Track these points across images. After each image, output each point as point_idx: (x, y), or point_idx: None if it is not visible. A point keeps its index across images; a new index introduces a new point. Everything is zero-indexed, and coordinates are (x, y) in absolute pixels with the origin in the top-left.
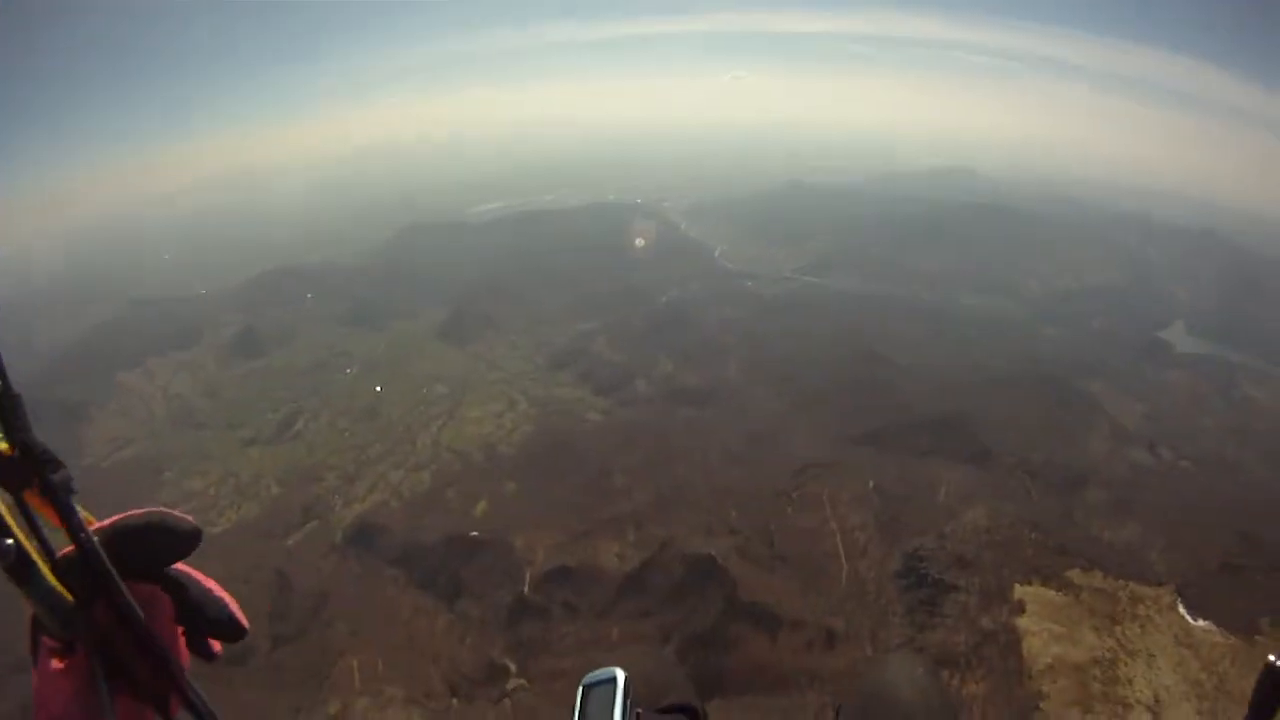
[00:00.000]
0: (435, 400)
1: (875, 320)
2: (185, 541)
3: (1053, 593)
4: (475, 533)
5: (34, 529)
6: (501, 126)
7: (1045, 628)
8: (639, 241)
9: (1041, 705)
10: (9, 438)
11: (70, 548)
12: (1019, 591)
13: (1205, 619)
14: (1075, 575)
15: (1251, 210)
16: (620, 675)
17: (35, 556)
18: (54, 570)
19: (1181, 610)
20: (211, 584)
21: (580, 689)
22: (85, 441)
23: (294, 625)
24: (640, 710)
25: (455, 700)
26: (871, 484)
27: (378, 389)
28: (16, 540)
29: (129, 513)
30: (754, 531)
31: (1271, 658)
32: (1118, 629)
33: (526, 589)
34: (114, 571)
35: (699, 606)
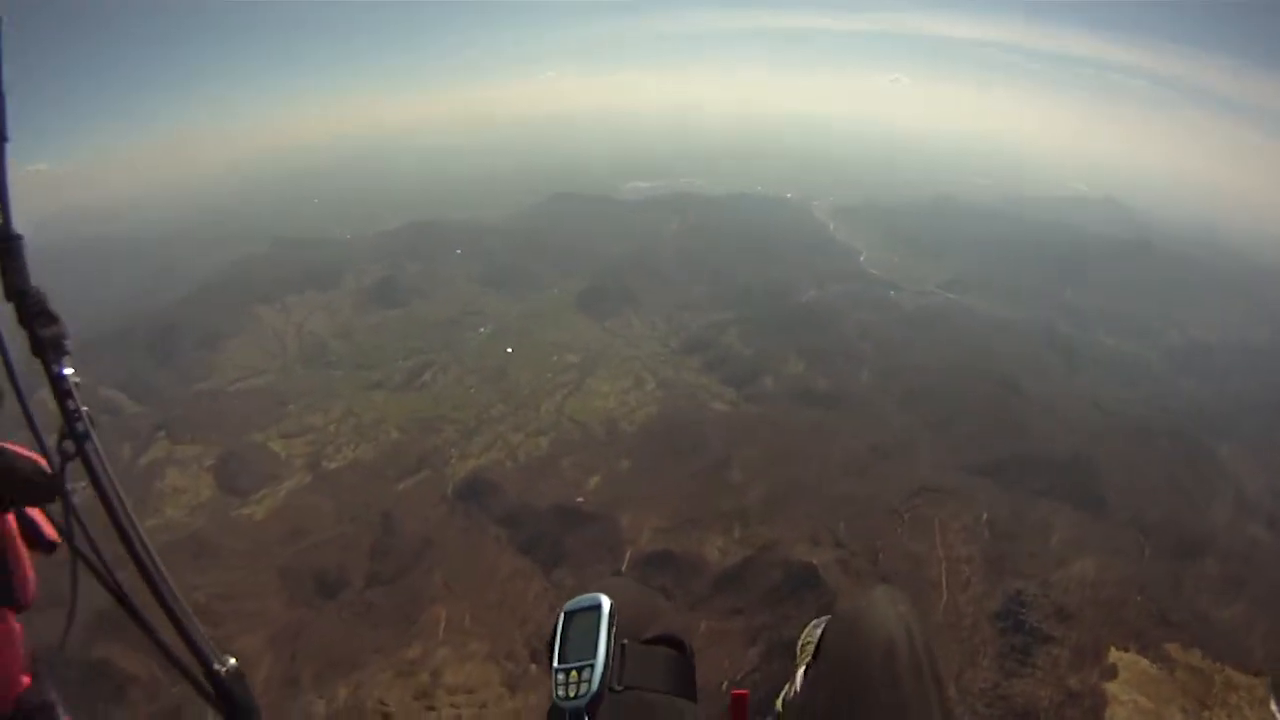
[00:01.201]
0: (564, 369)
1: (1011, 347)
2: (24, 489)
3: (1147, 663)
4: (583, 502)
5: None
6: (656, 108)
7: (1133, 698)
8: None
9: None
10: (4, 281)
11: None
12: (1114, 656)
13: None
14: (1174, 649)
15: None
16: (605, 602)
17: None
18: None
19: (1273, 707)
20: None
21: (561, 614)
22: (215, 367)
23: (392, 567)
24: (625, 641)
25: (534, 666)
26: (985, 516)
27: (508, 350)
28: None
29: None
30: (860, 546)
31: None
32: (1206, 714)
33: (625, 567)
34: None
35: (792, 614)
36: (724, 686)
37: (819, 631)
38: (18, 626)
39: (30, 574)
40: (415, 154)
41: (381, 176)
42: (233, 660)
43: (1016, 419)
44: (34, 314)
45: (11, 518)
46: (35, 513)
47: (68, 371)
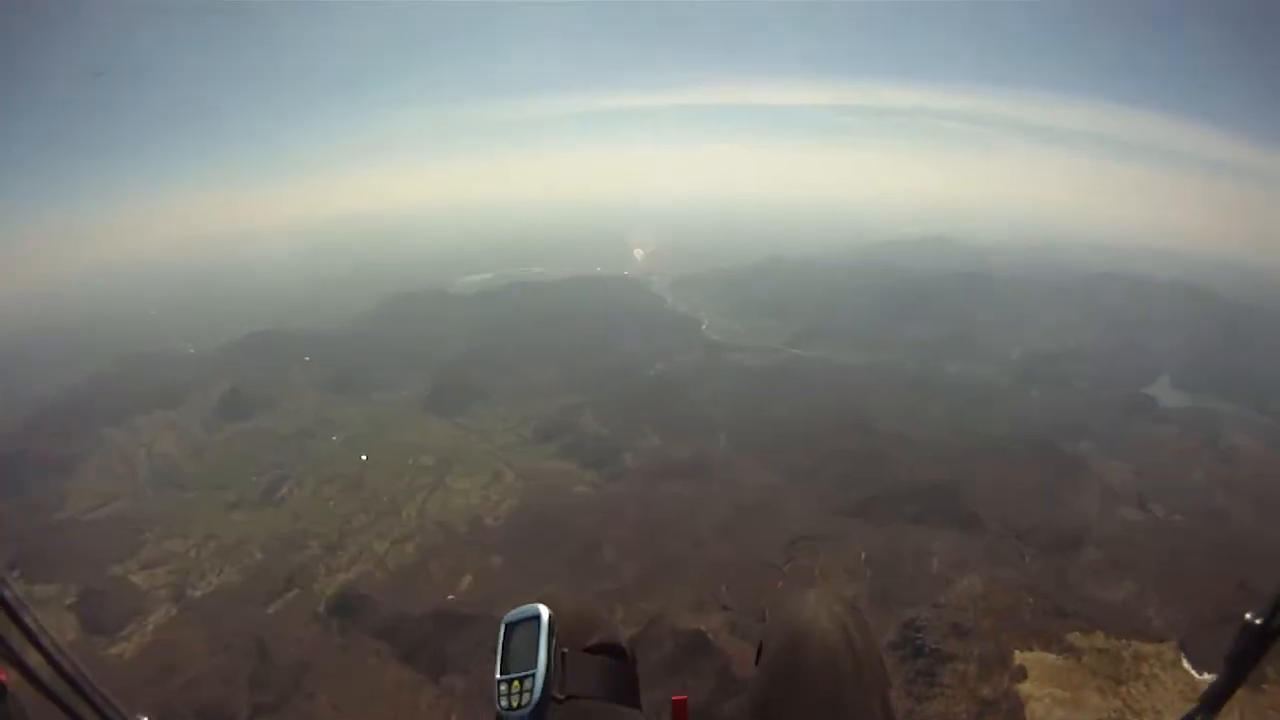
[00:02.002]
0: (421, 471)
1: (862, 391)
2: None
3: (1053, 657)
4: (459, 604)
5: None
6: (485, 198)
7: (1048, 693)
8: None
9: None
10: None
11: None
12: (1019, 658)
13: (1210, 672)
14: (1076, 638)
15: (1229, 259)
16: (544, 611)
17: None
18: None
19: (1186, 665)
20: None
21: (503, 626)
22: (67, 496)
23: (274, 694)
24: (566, 650)
25: None
26: (863, 555)
27: (363, 457)
28: None
29: None
30: (746, 606)
31: (1248, 615)
32: (1122, 689)
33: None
34: None
35: (690, 684)
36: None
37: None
38: None
39: None
40: (251, 259)
41: (218, 283)
42: (145, 718)
43: (878, 457)
44: None
45: None
46: None
47: None
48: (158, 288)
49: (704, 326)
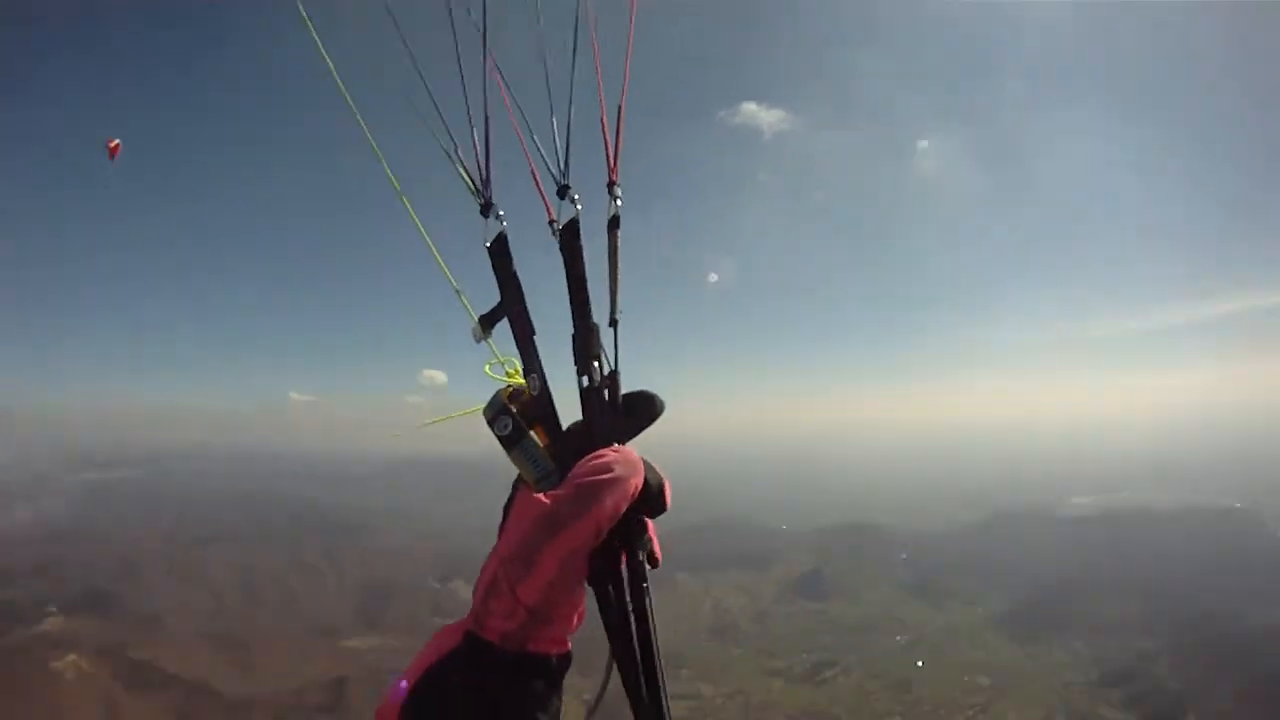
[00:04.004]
0: (973, 690)
1: None
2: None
3: None
4: None
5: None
6: (1105, 413)
7: None
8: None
9: None
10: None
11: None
12: None
13: None
14: None
15: None
16: None
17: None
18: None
19: None
20: None
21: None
22: None
23: None
24: None
25: None
26: None
27: (919, 664)
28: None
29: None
30: None
31: None
32: None
33: None
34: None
35: None
36: None
37: None
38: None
39: None
40: (853, 452)
41: (823, 471)
42: None
43: None
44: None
45: None
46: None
47: None
48: (760, 466)
49: None
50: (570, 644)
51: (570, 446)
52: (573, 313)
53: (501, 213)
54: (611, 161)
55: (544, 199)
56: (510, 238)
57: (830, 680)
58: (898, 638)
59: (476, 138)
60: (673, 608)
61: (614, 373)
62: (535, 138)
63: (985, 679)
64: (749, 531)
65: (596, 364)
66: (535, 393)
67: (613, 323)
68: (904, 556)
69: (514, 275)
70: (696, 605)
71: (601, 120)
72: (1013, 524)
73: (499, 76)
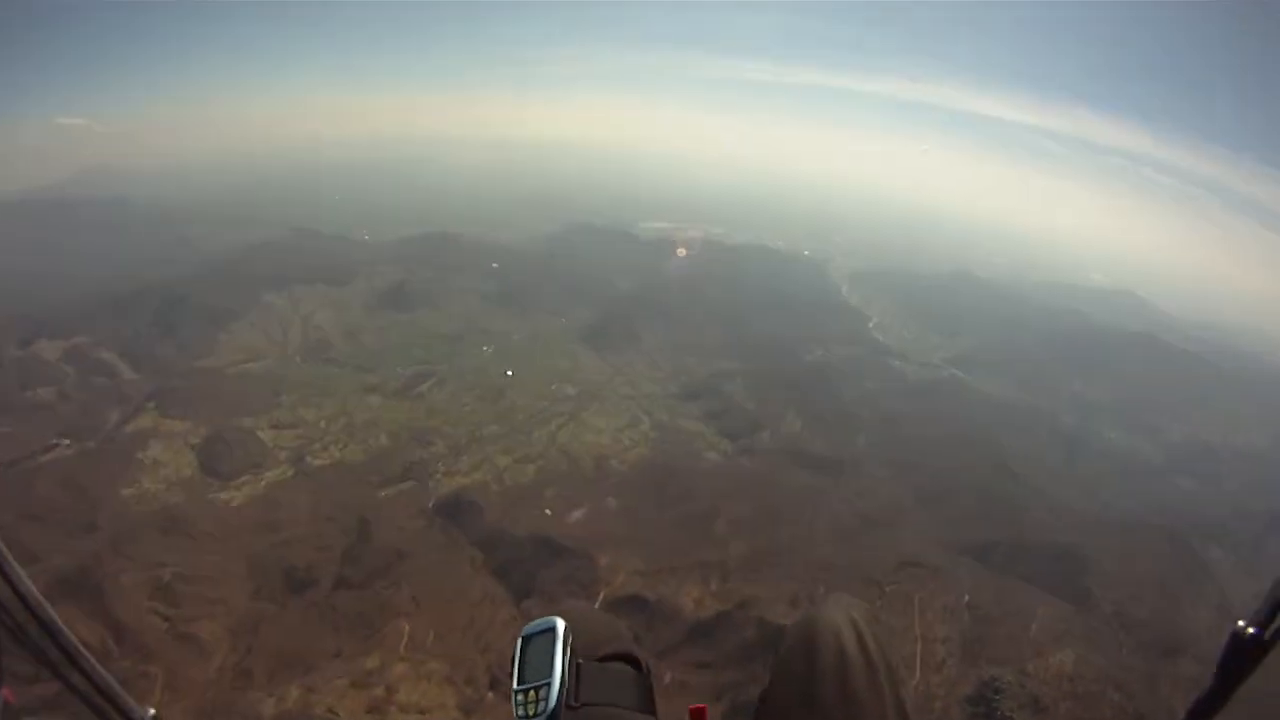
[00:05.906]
0: (561, 399)
1: (1012, 430)
2: None
3: None
4: (563, 535)
5: None
6: (678, 148)
7: None
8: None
9: None
10: None
11: None
12: None
13: None
14: None
15: None
16: (560, 624)
17: None
18: None
19: None
20: None
21: (519, 640)
22: (217, 347)
23: (362, 573)
24: (581, 660)
25: (491, 694)
26: (967, 598)
27: (509, 373)
28: None
29: None
30: None
31: (1240, 623)
32: None
33: (597, 605)
34: None
35: (759, 675)
36: None
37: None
38: None
39: None
40: (441, 164)
41: (406, 183)
42: (152, 710)
43: (1010, 503)
44: None
45: None
46: None
47: None
48: (346, 175)
49: (872, 324)
50: None
51: None
52: None
53: None
54: None
55: None
56: None
57: (426, 394)
58: (485, 348)
59: None
60: (265, 330)
61: None
62: None
63: (572, 388)
64: (332, 242)
65: None
66: None
67: None
68: (495, 266)
69: None
70: (286, 326)
71: None
72: (592, 238)
73: None
